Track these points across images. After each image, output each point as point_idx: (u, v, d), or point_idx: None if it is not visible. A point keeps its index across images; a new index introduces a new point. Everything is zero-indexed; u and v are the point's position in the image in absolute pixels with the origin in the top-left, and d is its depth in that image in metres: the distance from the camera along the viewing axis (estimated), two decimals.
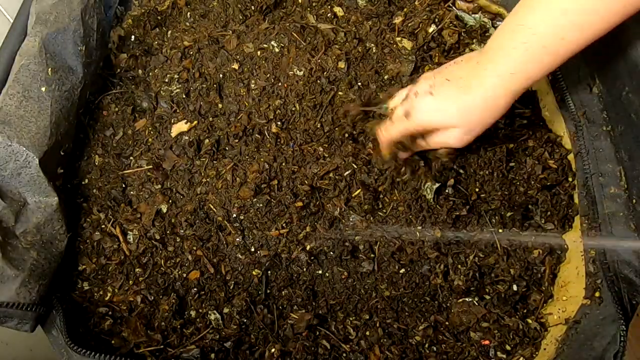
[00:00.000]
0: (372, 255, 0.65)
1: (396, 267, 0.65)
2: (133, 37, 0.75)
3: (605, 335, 0.56)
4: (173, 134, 0.69)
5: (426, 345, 0.64)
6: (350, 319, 0.65)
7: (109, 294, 0.63)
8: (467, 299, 0.65)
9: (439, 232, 0.64)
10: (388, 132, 0.60)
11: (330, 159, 0.68)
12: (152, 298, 0.63)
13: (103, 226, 0.65)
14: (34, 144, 0.59)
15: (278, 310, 0.64)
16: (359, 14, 0.75)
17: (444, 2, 0.76)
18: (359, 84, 0.71)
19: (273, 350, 0.61)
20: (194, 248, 0.64)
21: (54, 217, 0.60)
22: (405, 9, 0.75)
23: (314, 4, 0.77)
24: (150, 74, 0.73)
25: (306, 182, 0.66)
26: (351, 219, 0.65)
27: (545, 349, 0.63)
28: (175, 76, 0.72)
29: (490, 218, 0.67)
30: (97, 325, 0.60)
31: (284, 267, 0.65)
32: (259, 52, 0.72)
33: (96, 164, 0.69)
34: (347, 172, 0.67)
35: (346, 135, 0.68)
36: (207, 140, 0.69)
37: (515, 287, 0.65)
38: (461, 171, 0.67)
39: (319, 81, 0.70)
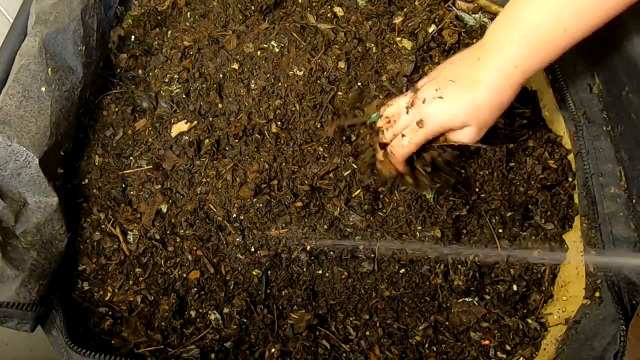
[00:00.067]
0: (372, 255, 0.65)
1: (396, 267, 0.65)
2: (133, 37, 0.75)
3: (605, 335, 0.56)
4: (173, 134, 0.69)
5: (426, 345, 0.64)
6: (350, 319, 0.65)
7: (109, 294, 0.63)
8: (467, 299, 0.65)
9: (439, 232, 0.64)
10: (403, 148, 0.58)
11: (330, 159, 0.68)
12: (152, 298, 0.63)
13: (103, 226, 0.65)
14: (34, 144, 0.59)
15: (278, 310, 0.64)
16: (359, 14, 0.75)
17: (444, 2, 0.76)
18: (359, 84, 0.71)
19: (273, 350, 0.61)
20: (194, 248, 0.64)
21: (54, 217, 0.60)
22: (405, 9, 0.75)
23: (314, 4, 0.77)
24: (150, 74, 0.73)
25: (306, 182, 0.66)
26: (351, 219, 0.65)
27: (545, 349, 0.63)
28: (175, 76, 0.72)
29: (490, 218, 0.67)
30: (97, 325, 0.60)
31: (284, 267, 0.65)
32: (259, 52, 0.72)
33: (96, 164, 0.69)
34: (347, 172, 0.67)
35: (344, 138, 0.68)
36: (207, 140, 0.69)
37: (515, 287, 0.65)
38: (461, 171, 0.67)
39: (319, 81, 0.70)
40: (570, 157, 0.70)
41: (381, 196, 0.67)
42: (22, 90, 0.60)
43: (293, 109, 0.70)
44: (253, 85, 0.71)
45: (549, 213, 0.68)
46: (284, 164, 0.68)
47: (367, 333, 0.64)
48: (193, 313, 0.63)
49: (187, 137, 0.69)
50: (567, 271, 0.66)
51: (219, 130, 0.70)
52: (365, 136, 0.64)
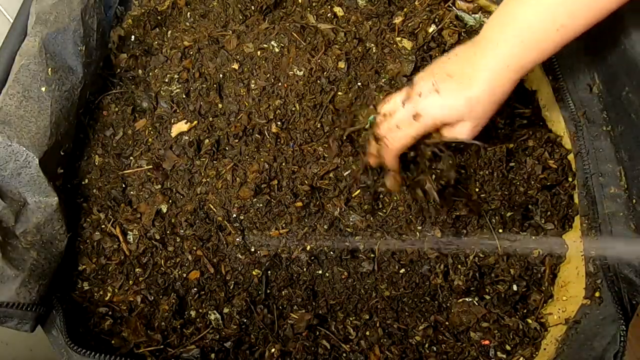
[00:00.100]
0: (372, 255, 0.65)
1: (396, 267, 0.65)
2: (133, 37, 0.75)
3: (605, 335, 0.56)
4: (173, 134, 0.69)
5: (426, 345, 0.64)
6: (350, 319, 0.65)
7: (109, 294, 0.63)
8: (467, 299, 0.65)
9: (439, 233, 0.64)
10: (397, 140, 0.58)
11: (330, 159, 0.68)
12: (152, 298, 0.63)
13: (103, 226, 0.65)
14: (34, 144, 0.59)
15: (278, 310, 0.64)
16: (359, 14, 0.75)
17: (444, 2, 0.76)
18: (359, 84, 0.71)
19: (273, 350, 0.61)
20: (194, 248, 0.64)
21: (54, 217, 0.60)
22: (405, 9, 0.75)
23: (314, 4, 0.77)
24: (150, 74, 0.73)
25: (306, 182, 0.66)
26: (351, 219, 0.65)
27: (545, 349, 0.63)
28: (175, 76, 0.72)
29: (490, 218, 0.67)
30: (97, 325, 0.60)
31: (284, 267, 0.65)
32: (259, 52, 0.72)
33: (96, 164, 0.69)
34: (347, 172, 0.67)
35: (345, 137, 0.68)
36: (207, 140, 0.69)
37: (515, 287, 0.65)
38: (461, 171, 0.67)
39: (319, 81, 0.70)
40: (570, 157, 0.70)
41: (381, 196, 0.67)
42: (22, 90, 0.60)
43: (293, 109, 0.70)
44: (253, 85, 0.71)
45: (549, 213, 0.68)
46: (284, 164, 0.68)
47: (367, 333, 0.64)
48: (193, 313, 0.63)
49: (187, 137, 0.69)
50: (567, 271, 0.66)
51: (219, 130, 0.70)
52: (367, 139, 0.64)
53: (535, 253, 0.67)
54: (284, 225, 0.65)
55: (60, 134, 0.62)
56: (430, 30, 0.73)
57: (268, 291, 0.65)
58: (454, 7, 0.77)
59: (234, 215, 0.66)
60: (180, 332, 0.61)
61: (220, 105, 0.71)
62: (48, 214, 0.59)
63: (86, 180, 0.68)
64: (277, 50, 0.72)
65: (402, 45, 0.73)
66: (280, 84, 0.71)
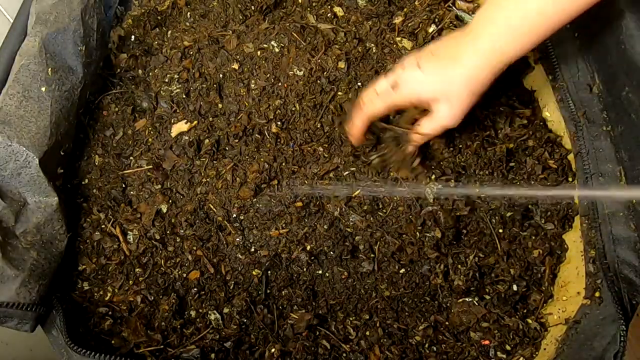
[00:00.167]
0: (372, 255, 0.65)
1: (396, 267, 0.65)
2: (133, 37, 0.75)
3: (605, 335, 0.56)
4: (173, 134, 0.69)
5: (426, 345, 0.64)
6: (350, 319, 0.65)
7: (109, 294, 0.63)
8: (467, 299, 0.65)
9: (439, 233, 0.64)
10: (373, 105, 0.61)
11: (330, 159, 0.68)
12: (152, 298, 0.63)
13: (103, 226, 0.65)
14: (34, 144, 0.59)
15: (278, 310, 0.64)
16: (359, 14, 0.75)
17: (444, 2, 0.76)
18: (359, 84, 0.71)
19: (273, 350, 0.61)
20: (194, 248, 0.64)
21: (54, 217, 0.60)
22: (405, 9, 0.75)
23: (314, 4, 0.77)
24: (150, 74, 0.73)
25: (306, 182, 0.66)
26: (351, 219, 0.65)
27: (545, 349, 0.63)
28: (175, 76, 0.72)
29: (490, 218, 0.67)
30: (97, 325, 0.60)
31: (284, 267, 0.65)
32: (259, 52, 0.72)
33: (96, 164, 0.69)
34: (347, 172, 0.67)
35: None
36: (207, 140, 0.69)
37: (515, 287, 0.65)
38: (461, 171, 0.67)
39: (319, 81, 0.70)
40: (570, 157, 0.70)
41: (381, 196, 0.67)
42: (22, 90, 0.60)
43: (293, 109, 0.70)
44: (253, 85, 0.71)
45: (549, 213, 0.68)
46: (284, 164, 0.68)
47: (367, 333, 0.64)
48: (193, 313, 0.63)
49: (187, 137, 0.69)
50: (567, 271, 0.66)
51: (219, 130, 0.70)
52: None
53: (535, 253, 0.67)
54: (284, 225, 0.65)
55: (60, 134, 0.62)
56: (430, 30, 0.73)
57: (268, 291, 0.65)
58: (454, 7, 0.77)
59: (234, 215, 0.66)
60: (180, 332, 0.61)
61: (220, 105, 0.71)
62: (48, 214, 0.59)
63: (86, 180, 0.68)
64: (277, 50, 0.72)
65: (402, 45, 0.73)
66: (280, 84, 0.71)
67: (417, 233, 0.65)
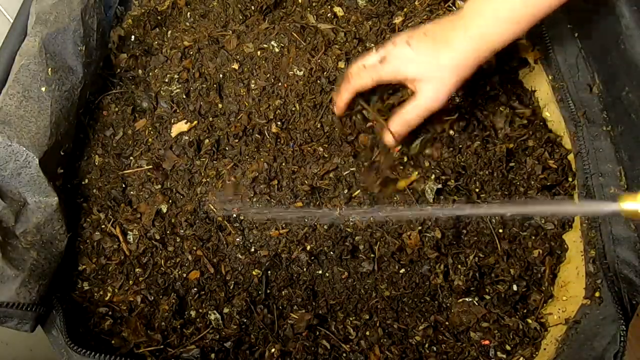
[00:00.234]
0: (372, 255, 0.65)
1: (396, 267, 0.65)
2: (133, 37, 0.75)
3: (605, 335, 0.56)
4: (173, 134, 0.69)
5: (426, 345, 0.64)
6: (350, 319, 0.65)
7: (109, 294, 0.63)
8: (467, 299, 0.65)
9: (439, 233, 0.64)
10: (360, 77, 0.62)
11: (330, 159, 0.68)
12: (152, 298, 0.63)
13: (103, 226, 0.65)
14: (34, 144, 0.59)
15: (278, 310, 0.64)
16: (359, 14, 0.75)
17: (444, 2, 0.76)
18: None
19: (273, 350, 0.61)
20: (194, 248, 0.64)
21: (54, 217, 0.60)
22: (405, 9, 0.75)
23: (314, 4, 0.77)
24: (150, 74, 0.73)
25: (306, 182, 0.66)
26: (351, 219, 0.65)
27: (545, 349, 0.63)
28: (175, 76, 0.72)
29: (490, 218, 0.67)
30: (97, 325, 0.60)
31: (284, 267, 0.65)
32: (259, 52, 0.72)
33: (96, 164, 0.69)
34: (347, 172, 0.67)
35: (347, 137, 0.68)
36: (207, 140, 0.69)
37: (515, 287, 0.65)
38: (461, 171, 0.67)
39: (319, 81, 0.70)
40: (570, 157, 0.70)
41: (382, 197, 0.67)
42: (22, 90, 0.60)
43: (293, 109, 0.70)
44: (253, 85, 0.71)
45: None
46: (284, 164, 0.68)
47: (367, 333, 0.64)
48: (193, 313, 0.63)
49: (187, 137, 0.69)
50: (567, 271, 0.66)
51: (219, 130, 0.69)
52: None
53: (535, 253, 0.67)
54: (284, 225, 0.65)
55: (60, 134, 0.62)
56: None
57: (268, 291, 0.65)
58: (454, 7, 0.77)
59: (234, 215, 0.66)
60: (180, 332, 0.61)
61: (220, 105, 0.71)
62: (48, 214, 0.59)
63: (86, 180, 0.68)
64: (277, 50, 0.72)
65: None
66: (280, 84, 0.71)
67: (417, 233, 0.65)
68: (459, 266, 0.65)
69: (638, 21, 0.59)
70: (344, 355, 0.63)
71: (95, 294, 0.63)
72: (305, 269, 0.65)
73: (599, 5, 0.63)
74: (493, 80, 0.72)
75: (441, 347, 0.64)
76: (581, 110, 0.68)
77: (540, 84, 0.74)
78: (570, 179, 0.69)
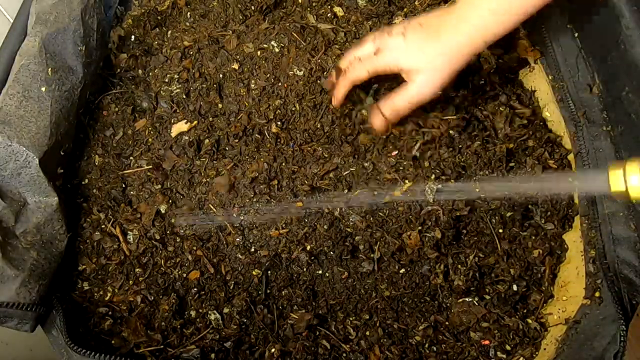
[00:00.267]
0: (372, 255, 0.65)
1: (396, 267, 0.65)
2: (133, 37, 0.75)
3: (605, 335, 0.56)
4: (173, 134, 0.69)
5: (426, 345, 0.64)
6: (350, 319, 0.65)
7: (109, 294, 0.63)
8: (467, 299, 0.65)
9: (439, 233, 0.64)
10: (355, 70, 0.63)
11: (330, 159, 0.68)
12: (152, 298, 0.63)
13: (103, 226, 0.65)
14: (34, 144, 0.59)
15: (278, 310, 0.64)
16: (359, 14, 0.75)
17: (444, 2, 0.76)
18: None
19: (273, 350, 0.61)
20: (194, 248, 0.64)
21: (54, 217, 0.60)
22: (405, 9, 0.75)
23: (314, 4, 0.77)
24: (150, 74, 0.73)
25: (306, 182, 0.66)
26: (351, 219, 0.65)
27: (545, 349, 0.63)
28: (175, 76, 0.72)
29: (490, 218, 0.67)
30: (97, 325, 0.60)
31: (284, 267, 0.65)
32: (259, 52, 0.72)
33: (96, 164, 0.69)
34: (347, 172, 0.67)
35: (347, 135, 0.68)
36: (207, 140, 0.69)
37: (515, 287, 0.65)
38: (461, 171, 0.67)
39: (319, 81, 0.70)
40: (570, 157, 0.70)
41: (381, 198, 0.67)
42: (22, 90, 0.60)
43: (293, 109, 0.70)
44: (253, 85, 0.71)
45: (549, 213, 0.68)
46: (284, 164, 0.68)
47: (367, 333, 0.64)
48: (193, 313, 0.63)
49: (187, 137, 0.69)
50: (567, 271, 0.66)
51: (219, 130, 0.69)
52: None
53: (535, 253, 0.67)
54: (284, 225, 0.65)
55: (60, 134, 0.62)
56: None
57: (268, 291, 0.65)
58: None
59: (234, 215, 0.66)
60: (180, 332, 0.61)
61: (220, 105, 0.71)
62: (48, 214, 0.59)
63: (86, 180, 0.68)
64: (277, 50, 0.72)
65: None
66: (280, 84, 0.71)
67: (417, 233, 0.65)
68: (459, 266, 0.65)
69: (638, 21, 0.59)
70: (344, 355, 0.63)
71: (95, 294, 0.63)
72: (305, 269, 0.65)
73: (599, 5, 0.64)
74: (493, 80, 0.72)
75: (441, 347, 0.64)
76: (581, 110, 0.68)
77: (540, 84, 0.74)
78: (570, 179, 0.69)
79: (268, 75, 0.71)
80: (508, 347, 0.63)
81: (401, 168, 0.66)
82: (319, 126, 0.69)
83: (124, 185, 0.68)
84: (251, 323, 0.63)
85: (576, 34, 0.69)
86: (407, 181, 0.65)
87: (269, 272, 0.65)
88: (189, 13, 0.77)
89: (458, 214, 0.65)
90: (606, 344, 0.56)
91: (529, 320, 0.65)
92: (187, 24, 0.76)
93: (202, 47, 0.73)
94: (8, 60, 0.62)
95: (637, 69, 0.59)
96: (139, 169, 0.68)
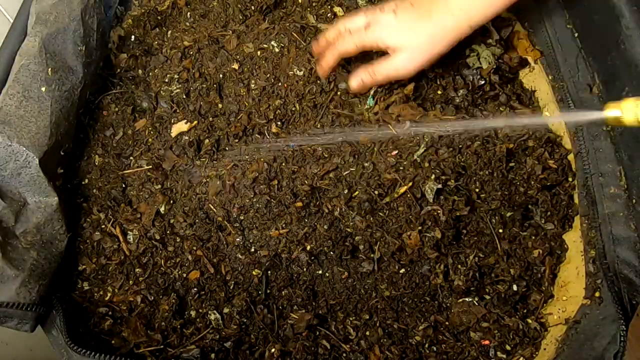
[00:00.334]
0: (372, 255, 0.65)
1: (396, 267, 0.65)
2: (133, 37, 0.75)
3: (605, 335, 0.56)
4: (173, 134, 0.69)
5: (426, 345, 0.64)
6: (350, 319, 0.65)
7: (109, 294, 0.63)
8: (467, 299, 0.65)
9: (439, 233, 0.64)
10: (344, 43, 0.65)
11: (330, 159, 0.68)
12: (152, 298, 0.63)
13: (103, 226, 0.65)
14: (34, 144, 0.59)
15: (278, 310, 0.64)
16: None
17: None
18: None
19: (273, 350, 0.61)
20: (194, 248, 0.64)
21: (54, 217, 0.60)
22: None
23: (314, 4, 0.77)
24: (150, 74, 0.73)
25: (306, 182, 0.66)
26: (351, 219, 0.65)
27: (545, 349, 0.63)
28: (175, 76, 0.72)
29: (490, 218, 0.67)
30: (97, 325, 0.60)
31: (284, 267, 0.65)
32: (259, 52, 0.72)
33: (96, 164, 0.69)
34: (347, 172, 0.67)
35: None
36: (207, 140, 0.69)
37: (515, 287, 0.65)
38: (461, 171, 0.67)
39: (319, 81, 0.70)
40: (570, 157, 0.70)
41: (382, 199, 0.67)
42: (22, 90, 0.60)
43: (293, 109, 0.70)
44: (253, 85, 0.71)
45: (549, 213, 0.68)
46: (284, 164, 0.68)
47: (367, 333, 0.64)
48: (193, 313, 0.63)
49: (187, 137, 0.69)
50: (567, 271, 0.66)
51: (219, 130, 0.69)
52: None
53: (535, 253, 0.67)
54: (284, 225, 0.65)
55: (60, 134, 0.62)
56: None
57: (268, 291, 0.65)
58: None
59: (234, 215, 0.66)
60: (180, 332, 0.61)
61: (220, 105, 0.71)
62: (48, 214, 0.59)
63: (86, 180, 0.68)
64: (277, 50, 0.72)
65: None
66: (280, 84, 0.71)
67: (417, 234, 0.65)
68: (459, 266, 0.65)
69: (638, 21, 0.59)
70: (344, 355, 0.63)
71: (95, 294, 0.63)
72: (305, 269, 0.65)
73: (599, 5, 0.64)
74: (493, 80, 0.72)
75: (441, 347, 0.64)
76: None
77: (540, 84, 0.74)
78: (570, 179, 0.69)
79: (268, 75, 0.71)
80: (508, 347, 0.63)
81: (401, 168, 0.66)
82: (319, 126, 0.69)
83: (124, 185, 0.68)
84: (251, 323, 0.63)
85: (576, 34, 0.69)
86: (407, 181, 0.65)
87: (269, 272, 0.65)
88: (189, 13, 0.77)
89: (458, 214, 0.65)
90: (606, 344, 0.56)
91: (529, 320, 0.65)
92: (187, 24, 0.76)
93: (202, 47, 0.73)
94: (8, 60, 0.62)
95: (637, 69, 0.59)
96: (139, 169, 0.68)
